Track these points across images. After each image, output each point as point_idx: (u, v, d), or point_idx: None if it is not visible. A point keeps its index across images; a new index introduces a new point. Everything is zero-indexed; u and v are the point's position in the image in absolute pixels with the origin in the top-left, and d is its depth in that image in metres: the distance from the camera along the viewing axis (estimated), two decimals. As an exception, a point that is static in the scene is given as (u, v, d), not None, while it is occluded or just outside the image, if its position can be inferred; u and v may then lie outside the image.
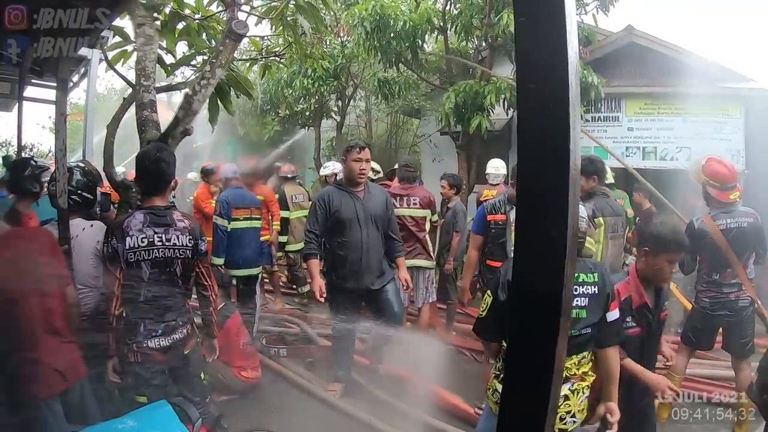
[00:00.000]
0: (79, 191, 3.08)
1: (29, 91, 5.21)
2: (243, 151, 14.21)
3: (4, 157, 7.23)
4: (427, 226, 5.06)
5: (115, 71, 4.50)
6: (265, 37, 6.15)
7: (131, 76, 4.15)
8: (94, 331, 2.84)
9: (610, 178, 5.02)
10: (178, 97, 10.69)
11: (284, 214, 6.77)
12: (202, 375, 3.16)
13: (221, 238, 4.99)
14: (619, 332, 2.44)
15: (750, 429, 3.47)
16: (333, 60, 10.20)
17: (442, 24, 8.81)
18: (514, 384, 0.69)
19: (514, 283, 0.68)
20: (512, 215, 4.04)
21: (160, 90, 4.27)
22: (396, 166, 6.11)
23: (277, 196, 6.76)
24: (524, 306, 0.65)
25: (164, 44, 4.14)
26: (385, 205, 4.16)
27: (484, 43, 9.00)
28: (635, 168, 7.16)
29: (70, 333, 2.65)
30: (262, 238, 6.41)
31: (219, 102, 4.06)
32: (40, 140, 19.50)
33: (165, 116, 3.59)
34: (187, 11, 4.19)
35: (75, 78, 5.54)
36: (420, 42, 8.78)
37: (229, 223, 5.03)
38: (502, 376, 2.32)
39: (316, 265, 4.07)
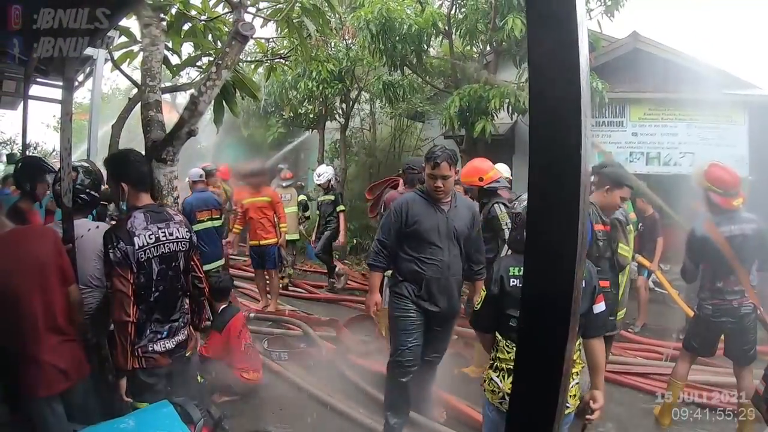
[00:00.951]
0: (87, 190, 3.09)
1: (34, 90, 5.24)
2: (247, 153, 14.25)
3: (8, 155, 7.26)
4: None
5: (121, 71, 4.52)
6: (271, 39, 6.18)
7: (136, 76, 4.17)
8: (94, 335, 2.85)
9: None
10: (182, 99, 10.78)
11: None
12: (199, 377, 3.17)
13: None
14: (605, 323, 2.54)
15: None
16: (338, 63, 10.21)
17: (447, 28, 8.82)
18: (523, 383, 0.69)
19: (525, 283, 0.68)
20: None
21: (165, 90, 4.29)
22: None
23: None
24: (535, 306, 0.65)
25: (170, 45, 4.15)
26: (471, 220, 3.68)
27: (488, 48, 9.01)
28: (639, 173, 7.16)
29: (72, 332, 2.66)
30: (268, 242, 6.52)
31: (224, 103, 4.07)
32: (45, 139, 19.52)
33: (169, 117, 3.61)
34: (193, 12, 4.21)
35: (80, 77, 5.57)
36: (425, 46, 8.79)
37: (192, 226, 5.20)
38: (496, 365, 2.43)
39: (378, 278, 3.78)
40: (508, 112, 8.26)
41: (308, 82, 10.21)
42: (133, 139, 4.88)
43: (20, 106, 5.77)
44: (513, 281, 2.36)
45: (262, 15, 4.36)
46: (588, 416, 2.32)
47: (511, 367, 2.37)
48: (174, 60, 4.39)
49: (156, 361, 2.54)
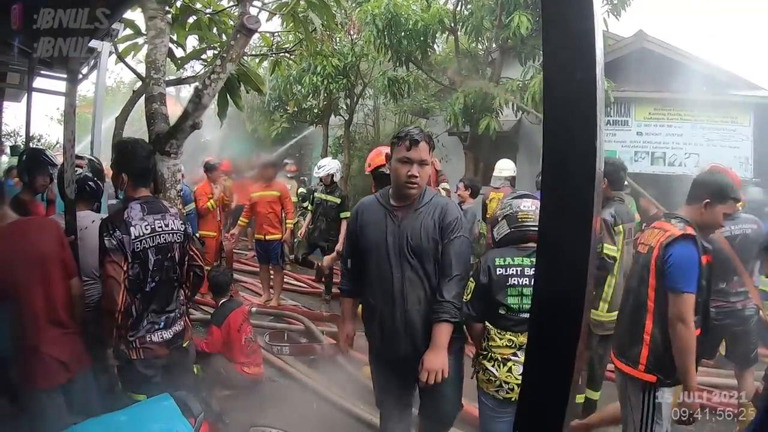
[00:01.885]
0: (94, 178, 3.11)
1: (38, 82, 5.23)
2: (251, 147, 14.25)
3: (12, 147, 7.27)
4: None
5: (126, 64, 4.52)
6: (276, 33, 6.16)
7: (141, 69, 4.17)
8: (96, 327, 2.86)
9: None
10: (186, 92, 10.78)
11: None
12: (195, 369, 3.19)
13: None
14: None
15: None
16: (343, 58, 10.19)
17: (453, 24, 8.80)
18: (532, 384, 0.69)
19: (536, 283, 0.68)
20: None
21: (170, 83, 4.30)
22: None
23: None
24: (546, 304, 0.65)
25: (175, 38, 4.15)
26: (437, 229, 2.51)
27: (494, 45, 8.99)
28: (644, 173, 7.13)
29: (73, 324, 2.66)
30: (273, 237, 6.48)
31: (228, 97, 4.06)
32: (48, 131, 19.57)
33: (173, 110, 3.59)
34: (198, 5, 4.20)
35: (85, 70, 5.56)
36: (430, 42, 8.77)
37: None
38: (490, 355, 2.46)
39: (349, 305, 2.88)
40: (512, 109, 8.25)
41: (313, 76, 10.20)
42: (137, 131, 4.89)
43: (24, 99, 5.76)
44: (499, 270, 2.43)
45: (268, 8, 4.36)
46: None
47: (505, 355, 2.41)
48: (179, 53, 4.38)
49: (154, 351, 2.56)
